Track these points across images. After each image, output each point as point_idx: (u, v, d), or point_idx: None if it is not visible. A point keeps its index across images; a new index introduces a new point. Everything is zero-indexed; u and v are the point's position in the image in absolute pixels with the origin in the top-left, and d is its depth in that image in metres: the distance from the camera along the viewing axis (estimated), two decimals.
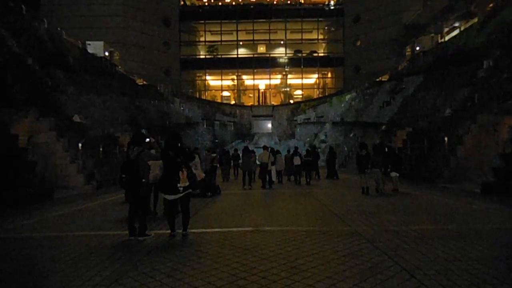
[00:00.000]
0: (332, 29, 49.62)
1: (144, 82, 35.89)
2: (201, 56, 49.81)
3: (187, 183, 5.57)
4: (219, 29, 48.77)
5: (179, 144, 5.72)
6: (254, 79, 49.75)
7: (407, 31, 34.86)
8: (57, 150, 14.00)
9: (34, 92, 15.63)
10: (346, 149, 27.70)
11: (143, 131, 15.33)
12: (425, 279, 3.73)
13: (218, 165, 17.06)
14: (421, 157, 16.42)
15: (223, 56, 49.12)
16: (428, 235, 5.57)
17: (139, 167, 5.67)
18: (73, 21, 35.82)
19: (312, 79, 50.66)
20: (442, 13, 30.88)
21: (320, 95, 47.93)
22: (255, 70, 48.62)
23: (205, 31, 49.22)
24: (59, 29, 25.45)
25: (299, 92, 50.84)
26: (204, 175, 7.95)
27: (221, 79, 49.89)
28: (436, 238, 5.38)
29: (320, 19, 48.64)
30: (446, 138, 14.96)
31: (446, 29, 30.88)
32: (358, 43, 44.52)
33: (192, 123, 35.63)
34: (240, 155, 17.09)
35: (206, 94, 49.56)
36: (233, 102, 49.36)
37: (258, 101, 49.80)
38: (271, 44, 49.95)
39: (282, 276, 3.92)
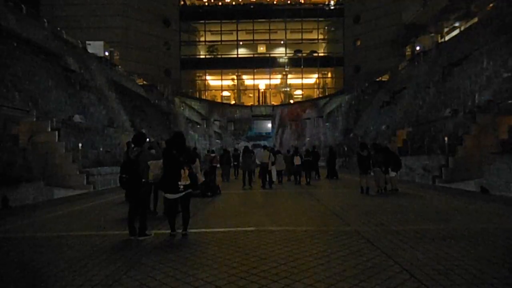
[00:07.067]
0: (332, 29, 49.64)
1: (144, 82, 35.90)
2: (201, 56, 49.82)
3: (188, 182, 5.56)
4: (219, 29, 48.78)
5: (182, 143, 5.70)
6: (254, 79, 49.76)
7: (407, 31, 34.83)
8: (57, 150, 14.00)
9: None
10: (346, 149, 27.67)
11: (143, 131, 15.33)
12: (425, 279, 3.72)
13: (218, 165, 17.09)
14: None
15: (223, 56, 49.13)
16: (428, 235, 5.56)
17: (139, 167, 5.66)
18: (73, 21, 35.83)
19: (312, 79, 50.67)
20: (442, 13, 30.85)
21: (320, 95, 47.97)
22: (255, 70, 48.64)
23: (205, 31, 49.24)
24: (59, 29, 25.46)
25: (299, 92, 50.87)
26: (203, 179, 7.93)
27: (221, 79, 49.90)
28: (436, 238, 5.37)
29: (320, 19, 48.68)
30: (446, 139, 14.93)
31: (446, 29, 30.87)
32: (358, 43, 44.53)
33: (193, 123, 35.65)
34: (240, 155, 17.10)
35: (206, 94, 49.58)
36: (233, 102, 49.39)
37: (258, 101, 49.82)
38: (271, 44, 49.96)
39: (282, 276, 3.91)
